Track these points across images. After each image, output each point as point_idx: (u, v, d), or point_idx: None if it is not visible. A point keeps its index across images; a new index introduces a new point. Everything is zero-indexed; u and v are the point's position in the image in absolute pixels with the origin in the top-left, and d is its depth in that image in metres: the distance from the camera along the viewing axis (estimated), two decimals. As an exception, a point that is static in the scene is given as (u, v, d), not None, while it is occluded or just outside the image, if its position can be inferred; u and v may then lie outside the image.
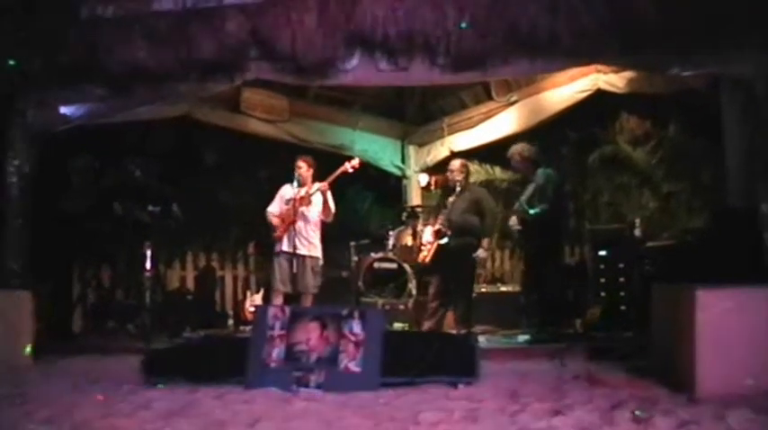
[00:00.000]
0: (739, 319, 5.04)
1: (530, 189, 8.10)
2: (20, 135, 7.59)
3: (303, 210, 8.44)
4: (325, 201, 8.52)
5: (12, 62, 7.32)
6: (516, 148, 8.42)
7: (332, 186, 8.46)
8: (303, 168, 8.56)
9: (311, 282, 8.47)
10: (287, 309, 5.77)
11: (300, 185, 8.55)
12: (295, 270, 8.36)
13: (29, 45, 7.36)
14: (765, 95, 6.50)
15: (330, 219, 8.66)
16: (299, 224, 8.42)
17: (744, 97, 6.78)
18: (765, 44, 6.42)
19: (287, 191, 8.66)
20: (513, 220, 8.24)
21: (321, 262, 8.68)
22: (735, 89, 6.91)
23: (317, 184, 8.49)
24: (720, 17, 6.43)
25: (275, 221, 8.54)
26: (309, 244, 8.48)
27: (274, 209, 8.67)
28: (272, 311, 5.77)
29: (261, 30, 6.98)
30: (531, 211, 7.88)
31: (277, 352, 5.52)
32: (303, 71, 7.04)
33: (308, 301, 8.37)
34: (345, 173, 8.56)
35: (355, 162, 8.60)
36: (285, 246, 8.40)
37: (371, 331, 5.48)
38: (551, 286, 8.04)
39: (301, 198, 8.42)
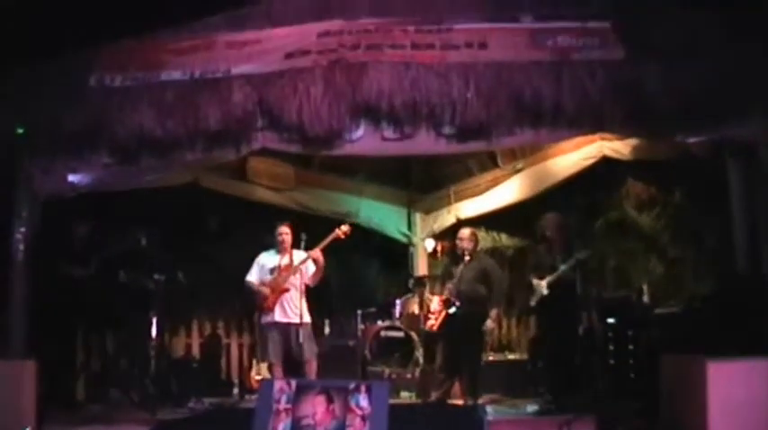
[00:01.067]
0: (750, 390, 5.00)
1: (569, 259, 8.09)
2: (26, 202, 7.61)
3: (291, 279, 8.25)
4: (318, 269, 8.34)
5: (20, 130, 7.38)
6: (554, 218, 8.40)
7: (323, 253, 8.33)
8: (288, 234, 8.41)
9: (309, 349, 8.22)
10: (293, 382, 5.71)
11: (280, 252, 8.44)
12: (292, 341, 8.15)
13: (37, 113, 7.42)
14: (768, 160, 6.55)
15: (315, 285, 8.49)
16: (290, 293, 8.24)
17: (748, 162, 6.82)
18: (766, 110, 6.48)
19: (267, 259, 8.50)
20: (542, 285, 8.20)
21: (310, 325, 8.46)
22: (739, 154, 6.94)
23: (300, 252, 8.36)
24: (722, 84, 6.49)
25: (265, 291, 8.32)
26: (301, 311, 8.16)
27: (254, 278, 8.48)
28: (277, 385, 5.70)
29: (267, 100, 7.03)
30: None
31: (283, 426, 5.44)
32: (309, 141, 7.07)
33: (312, 367, 8.21)
34: (337, 239, 8.44)
35: (346, 228, 8.44)
36: (277, 317, 8.25)
37: (377, 404, 5.41)
38: (566, 354, 7.98)
39: (287, 266, 8.28)
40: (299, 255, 8.32)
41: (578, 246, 8.17)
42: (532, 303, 8.46)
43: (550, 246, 8.39)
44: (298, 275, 8.25)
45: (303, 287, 8.28)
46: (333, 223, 8.68)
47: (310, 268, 8.34)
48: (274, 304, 8.22)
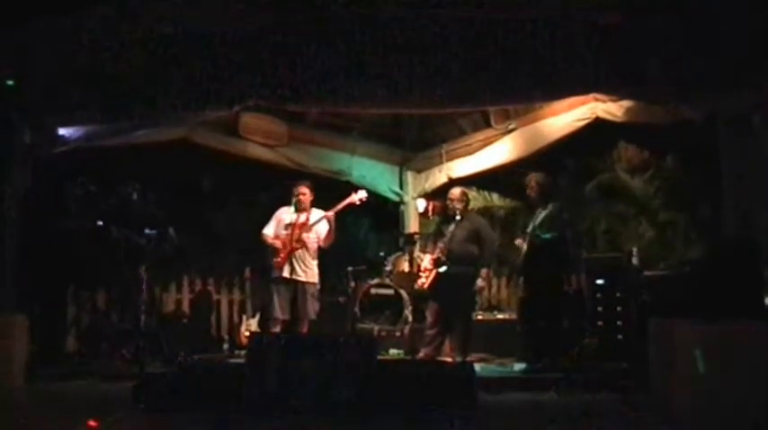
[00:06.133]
0: (736, 354, 5.02)
1: (540, 216, 8.11)
2: (17, 157, 7.57)
3: (304, 237, 8.36)
4: (330, 230, 8.42)
5: (10, 83, 7.32)
6: (536, 176, 8.41)
7: (337, 216, 8.42)
8: (306, 194, 8.46)
9: (311, 309, 8.37)
10: (282, 337, 5.75)
11: (299, 211, 8.50)
12: (295, 297, 8.27)
13: (28, 67, 7.36)
14: (762, 128, 6.53)
15: (328, 247, 8.61)
16: (300, 250, 8.33)
17: (741, 130, 6.81)
18: (761, 78, 6.45)
19: (285, 214, 8.57)
20: (520, 242, 8.26)
21: (318, 287, 8.64)
22: (732, 122, 6.93)
23: (319, 212, 8.43)
24: (718, 52, 6.46)
25: (277, 245, 8.41)
26: (309, 270, 8.36)
27: (270, 231, 8.55)
28: (267, 339, 5.74)
29: (260, 56, 6.98)
30: (545, 236, 7.91)
31: (272, 379, 5.48)
32: (302, 98, 7.04)
33: (304, 327, 8.30)
34: (353, 205, 8.53)
35: (363, 195, 8.54)
36: (285, 273, 8.32)
37: (367, 360, 5.45)
38: (552, 316, 8.03)
39: (302, 224, 8.35)
40: (316, 214, 8.38)
41: (556, 210, 8.15)
42: (518, 263, 8.52)
43: (533, 206, 8.46)
44: (311, 235, 8.36)
45: (316, 247, 8.43)
46: (328, 182, 8.70)
47: (323, 228, 8.39)
48: (284, 260, 8.28)
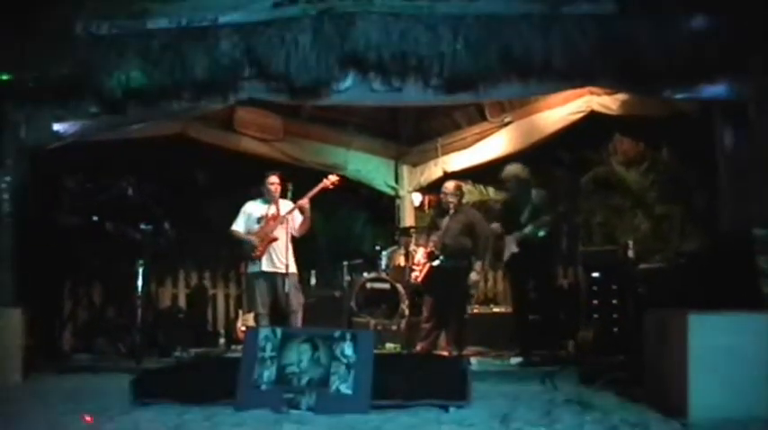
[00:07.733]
0: (732, 344, 5.02)
1: (527, 211, 8.12)
2: (12, 151, 7.55)
3: (279, 229, 8.31)
4: (305, 218, 8.40)
5: (4, 77, 7.30)
6: (513, 170, 8.40)
7: (312, 202, 8.38)
8: (277, 184, 8.43)
9: (297, 300, 8.33)
10: (278, 331, 5.74)
11: (269, 201, 8.45)
12: (279, 291, 8.25)
13: (23, 61, 7.34)
14: (757, 119, 6.54)
15: (301, 235, 8.55)
16: (278, 243, 8.27)
17: (736, 121, 6.81)
18: (757, 69, 6.46)
19: (254, 208, 8.54)
20: (510, 241, 8.26)
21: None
22: (727, 113, 6.93)
23: (288, 202, 8.41)
24: (713, 41, 6.47)
25: (253, 241, 8.33)
26: (289, 261, 8.28)
27: (240, 227, 8.51)
28: (263, 333, 5.73)
29: (255, 49, 6.98)
30: (541, 234, 7.92)
31: (268, 373, 5.47)
32: (297, 91, 7.03)
33: (297, 319, 8.28)
34: (326, 189, 8.48)
35: (334, 178, 8.53)
36: (265, 267, 8.30)
37: (363, 353, 5.45)
38: (546, 308, 8.04)
39: (275, 216, 8.33)
40: (285, 204, 8.34)
41: (541, 201, 8.18)
42: (505, 258, 8.54)
43: (513, 198, 8.46)
44: (285, 225, 8.29)
45: (290, 237, 8.33)
46: (320, 175, 8.69)
47: (297, 218, 8.36)
48: (262, 253, 8.26)
